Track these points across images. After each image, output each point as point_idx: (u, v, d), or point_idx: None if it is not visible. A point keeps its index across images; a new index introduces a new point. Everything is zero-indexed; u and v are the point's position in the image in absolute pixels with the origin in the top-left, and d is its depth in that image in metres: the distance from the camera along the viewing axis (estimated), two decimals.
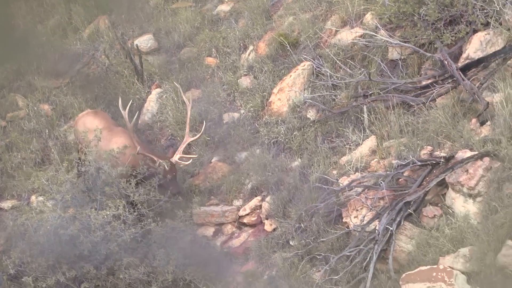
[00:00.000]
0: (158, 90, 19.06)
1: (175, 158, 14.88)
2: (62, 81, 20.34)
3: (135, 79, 19.53)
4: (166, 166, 14.64)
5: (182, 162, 14.99)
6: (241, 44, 18.91)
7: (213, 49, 19.16)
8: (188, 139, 14.60)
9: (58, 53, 20.15)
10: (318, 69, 17.05)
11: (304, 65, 17.25)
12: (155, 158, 14.83)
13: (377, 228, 14.08)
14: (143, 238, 15.36)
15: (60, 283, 14.68)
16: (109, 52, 20.32)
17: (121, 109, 15.11)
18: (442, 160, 14.36)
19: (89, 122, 16.11)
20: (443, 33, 15.85)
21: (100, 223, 14.94)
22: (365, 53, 16.76)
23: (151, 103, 18.93)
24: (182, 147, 14.59)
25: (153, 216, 15.66)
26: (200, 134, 14.94)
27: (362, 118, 16.05)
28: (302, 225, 15.16)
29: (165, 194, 15.16)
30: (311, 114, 16.80)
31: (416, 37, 16.13)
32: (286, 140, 16.69)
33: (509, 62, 15.01)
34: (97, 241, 14.90)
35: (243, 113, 17.72)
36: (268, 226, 15.87)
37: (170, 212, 16.14)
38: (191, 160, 14.93)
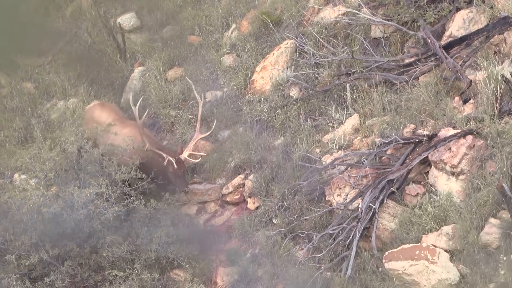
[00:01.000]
0: (141, 68, 18.76)
1: (184, 155, 14.32)
2: (45, 59, 20.01)
3: (118, 57, 19.23)
4: (174, 163, 14.12)
5: (191, 159, 14.48)
6: (224, 23, 18.60)
7: (196, 28, 18.83)
8: (198, 135, 14.07)
9: (41, 32, 19.75)
10: (301, 47, 16.80)
11: (287, 44, 16.98)
12: (164, 155, 14.30)
13: (360, 206, 13.92)
14: (126, 216, 15.16)
15: (43, 261, 14.48)
16: (91, 30, 19.97)
17: (132, 105, 14.55)
18: (425, 138, 14.22)
19: (97, 115, 15.58)
20: (426, 11, 15.62)
21: (83, 201, 14.68)
22: (348, 31, 16.52)
23: (134, 81, 18.65)
24: (192, 144, 14.03)
25: (136, 195, 15.35)
26: (211, 131, 14.38)
27: (345, 96, 15.82)
28: (285, 203, 15.00)
29: (171, 190, 14.70)
30: (294, 92, 16.54)
31: (399, 15, 15.89)
32: (269, 118, 16.44)
33: (492, 40, 14.83)
34: (80, 219, 14.67)
35: (226, 91, 17.46)
36: (251, 204, 15.65)
37: (153, 190, 15.84)
38: (200, 159, 14.44)
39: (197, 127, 14.04)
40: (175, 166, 14.04)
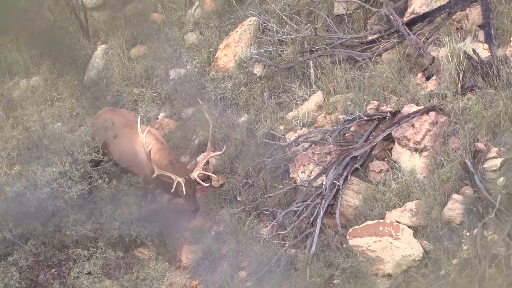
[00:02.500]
0: (104, 46, 18.42)
1: (194, 174, 13.69)
2: (7, 37, 19.52)
3: (81, 35, 18.85)
4: (183, 185, 13.49)
5: (200, 182, 13.77)
6: (187, 0, 18.20)
7: (158, 5, 18.45)
8: (209, 154, 13.49)
9: (2, 9, 19.25)
10: (264, 24, 16.56)
11: (250, 21, 16.72)
12: (173, 177, 13.67)
13: (324, 183, 13.77)
14: (89, 195, 14.94)
15: (7, 240, 14.14)
16: (54, 8, 19.51)
17: (140, 133, 13.85)
18: (388, 114, 14.08)
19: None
20: None
21: (47, 180, 14.33)
22: (311, 8, 16.28)
23: (97, 59, 18.32)
24: (202, 162, 13.40)
25: (99, 174, 15.04)
26: (223, 151, 13.89)
27: (308, 74, 15.63)
28: (249, 180, 14.82)
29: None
30: (258, 69, 16.33)
31: None
32: (233, 96, 16.21)
33: (454, 16, 14.67)
34: (44, 198, 14.31)
35: (190, 69, 17.14)
36: (215, 182, 15.38)
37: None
38: (209, 183, 13.98)
39: (208, 146, 13.49)
40: (183, 188, 13.41)
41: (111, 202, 14.93)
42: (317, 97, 15.31)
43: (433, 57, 14.22)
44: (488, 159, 12.84)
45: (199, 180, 13.31)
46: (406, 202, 13.21)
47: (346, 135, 14.51)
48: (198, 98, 14.93)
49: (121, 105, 17.16)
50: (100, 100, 17.54)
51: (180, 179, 13.28)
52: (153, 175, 13.46)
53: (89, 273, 13.80)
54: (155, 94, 17.22)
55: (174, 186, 13.23)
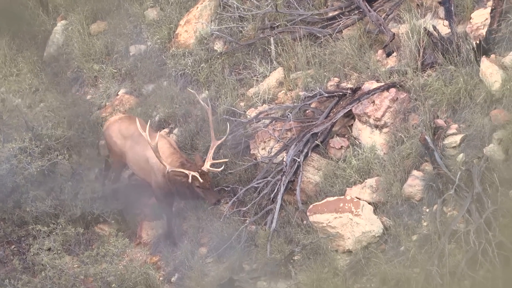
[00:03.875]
0: (64, 22, 17.83)
1: (207, 166, 13.10)
2: None
3: (40, 11, 18.19)
4: (199, 178, 12.92)
5: (214, 169, 13.24)
6: None
7: None
8: (215, 143, 12.99)
9: None
10: (225, 1, 16.14)
11: None
12: (186, 172, 13.12)
13: (284, 159, 13.54)
14: (50, 171, 14.58)
15: None
16: None
17: (140, 131, 13.23)
18: (349, 91, 13.85)
19: (125, 129, 14.14)
20: None
21: (6, 156, 14.09)
22: None
23: (57, 35, 17.72)
24: (211, 152, 12.84)
25: (59, 149, 14.77)
26: (225, 136, 13.35)
27: (269, 50, 15.27)
28: None
29: (202, 204, 13.63)
30: (218, 46, 15.92)
31: None
32: (193, 72, 15.78)
33: None
34: (3, 174, 14.07)
35: (150, 45, 16.66)
36: None
37: (77, 144, 15.36)
38: (223, 167, 13.46)
39: (211, 135, 13.01)
40: (201, 180, 12.84)
41: (71, 179, 14.66)
42: (277, 74, 15.02)
43: (394, 34, 14.00)
44: (448, 136, 12.73)
45: (213, 169, 12.84)
46: (366, 179, 13.05)
47: (307, 111, 14.27)
48: (189, 89, 14.45)
49: (81, 81, 16.67)
50: (60, 76, 17.09)
51: (194, 173, 12.76)
52: (166, 171, 12.88)
53: (49, 249, 13.48)
54: (115, 70, 16.74)
55: (190, 179, 12.67)
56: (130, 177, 15.14)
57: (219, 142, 12.98)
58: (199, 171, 12.74)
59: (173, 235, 13.68)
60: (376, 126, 13.36)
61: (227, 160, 13.23)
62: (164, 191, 13.45)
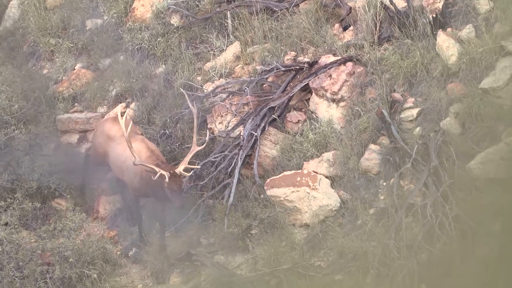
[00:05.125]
0: None
1: (180, 169, 12.41)
2: None
3: None
4: (166, 177, 12.19)
5: (185, 173, 12.50)
6: None
7: None
8: (195, 148, 12.38)
9: None
10: None
11: None
12: (156, 169, 12.41)
13: (241, 133, 13.26)
14: (6, 145, 14.14)
15: None
16: None
17: (119, 118, 12.48)
18: (305, 65, 13.59)
19: (107, 129, 13.39)
20: None
21: None
22: None
23: (13, 9, 17.15)
24: (188, 157, 12.17)
25: (16, 123, 14.41)
26: (205, 144, 12.68)
27: (226, 24, 14.87)
28: (167, 131, 14.07)
29: (168, 206, 12.90)
30: (175, 20, 15.42)
31: None
32: (150, 46, 15.33)
33: None
34: None
35: (107, 19, 16.14)
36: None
37: (33, 118, 14.93)
38: (192, 172, 12.78)
39: (193, 140, 12.41)
40: (166, 179, 12.11)
41: (29, 153, 14.24)
42: (234, 48, 14.66)
43: (350, 8, 13.72)
44: (404, 109, 12.52)
45: (184, 173, 12.22)
46: (323, 153, 12.78)
47: (264, 85, 13.99)
48: (181, 88, 13.86)
49: (38, 55, 16.12)
50: (16, 51, 16.54)
51: (163, 172, 12.11)
52: (134, 162, 12.22)
53: (6, 224, 13.02)
54: (71, 45, 16.17)
55: (157, 176, 12.03)
56: (87, 151, 14.64)
57: (199, 148, 12.37)
58: (171, 172, 12.11)
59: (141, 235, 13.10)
60: (333, 100, 13.10)
61: (199, 167, 12.63)
62: (140, 193, 12.83)
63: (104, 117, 14.96)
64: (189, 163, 12.28)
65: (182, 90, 13.54)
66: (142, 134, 13.61)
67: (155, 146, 12.87)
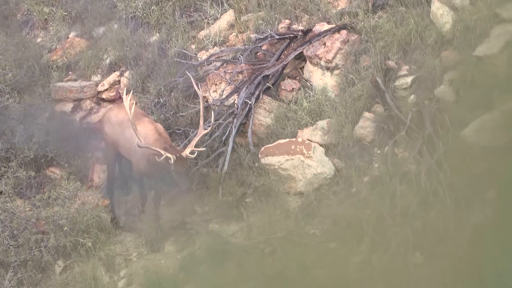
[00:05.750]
0: None
1: (186, 152, 12.10)
2: None
3: None
4: (171, 159, 11.86)
5: (190, 155, 12.13)
6: None
7: None
8: (202, 131, 12.10)
9: None
10: None
11: None
12: (162, 152, 12.08)
13: (236, 102, 13.11)
14: (0, 114, 13.97)
15: None
16: None
17: (124, 101, 12.15)
18: (300, 33, 13.40)
19: (114, 116, 12.92)
20: None
21: None
22: None
23: None
24: (195, 140, 11.91)
25: (10, 92, 14.25)
26: (211, 127, 12.38)
27: None
28: (161, 100, 13.88)
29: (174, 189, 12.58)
30: None
31: None
32: (144, 15, 15.13)
33: None
34: None
35: None
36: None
37: (28, 87, 14.77)
38: (196, 153, 12.45)
39: (200, 123, 12.11)
40: (172, 161, 11.80)
41: (23, 121, 14.06)
42: (228, 16, 14.47)
43: None
44: (399, 77, 12.34)
45: (190, 155, 11.93)
46: (317, 121, 12.61)
47: (258, 54, 13.80)
48: (187, 72, 13.55)
49: (31, 24, 15.93)
50: (9, 19, 16.30)
51: (169, 155, 11.82)
52: (139, 145, 11.90)
53: (1, 192, 12.97)
54: (65, 13, 16.01)
55: (162, 159, 11.73)
56: (81, 119, 14.57)
57: (205, 131, 12.10)
58: (177, 155, 11.83)
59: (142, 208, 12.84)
60: (327, 68, 12.94)
61: (204, 149, 12.36)
62: (145, 174, 12.50)
63: (98, 85, 14.86)
64: (195, 146, 12.00)
65: (187, 73, 13.23)
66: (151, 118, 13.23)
67: (164, 129, 12.47)
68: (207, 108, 13.35)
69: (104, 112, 13.42)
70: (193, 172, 12.67)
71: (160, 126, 12.38)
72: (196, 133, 12.23)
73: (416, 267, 10.24)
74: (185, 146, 12.41)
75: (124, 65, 14.85)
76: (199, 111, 12.29)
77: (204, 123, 12.21)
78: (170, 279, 11.58)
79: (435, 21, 12.25)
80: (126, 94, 12.12)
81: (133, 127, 11.89)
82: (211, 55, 13.90)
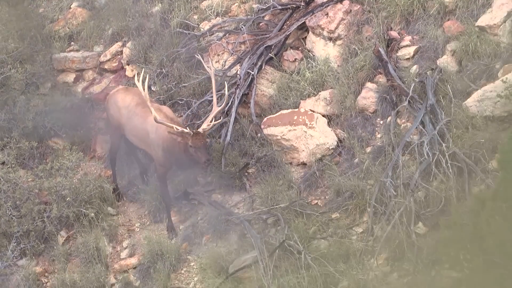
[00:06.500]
0: None
1: (203, 126, 11.95)
2: None
3: None
4: (189, 132, 11.61)
5: (207, 128, 11.88)
6: None
7: None
8: (216, 109, 11.92)
9: None
10: None
11: None
12: (177, 126, 11.62)
13: (238, 72, 13.00)
14: (2, 85, 13.88)
15: None
16: None
17: (136, 81, 11.91)
18: (302, 3, 13.27)
19: (120, 100, 12.65)
20: None
21: None
22: None
23: None
24: (210, 117, 11.80)
25: (12, 63, 14.11)
26: (224, 103, 12.20)
27: None
28: (163, 70, 13.78)
29: (195, 164, 12.37)
30: None
31: None
32: None
33: None
34: None
35: None
36: (129, 71, 14.36)
37: (30, 57, 14.59)
38: (211, 126, 12.29)
39: (213, 101, 11.92)
40: (190, 133, 11.55)
41: (25, 91, 14.04)
42: None
43: None
44: (401, 47, 12.26)
45: (207, 128, 11.72)
46: (320, 91, 12.51)
47: (260, 24, 13.67)
48: (196, 55, 13.34)
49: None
50: None
51: (185, 130, 11.63)
52: (156, 120, 11.69)
53: (3, 163, 12.94)
54: None
55: (180, 130, 11.53)
56: (83, 90, 14.50)
57: (219, 108, 11.95)
58: (194, 131, 11.68)
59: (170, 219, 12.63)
60: (330, 39, 12.81)
61: (220, 121, 12.19)
62: (166, 166, 12.19)
63: (100, 56, 14.75)
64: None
65: (196, 56, 13.04)
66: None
67: (172, 112, 12.29)
68: (209, 79, 13.13)
69: (110, 94, 13.05)
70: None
71: (168, 110, 12.17)
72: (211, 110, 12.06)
73: (419, 237, 10.23)
74: (187, 116, 12.44)
75: (126, 36, 14.71)
76: (211, 87, 12.17)
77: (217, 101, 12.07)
78: (173, 249, 11.57)
79: None
80: (140, 78, 11.85)
81: (148, 104, 11.69)
82: (214, 26, 13.79)
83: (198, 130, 11.47)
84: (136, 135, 12.32)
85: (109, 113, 12.73)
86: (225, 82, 12.31)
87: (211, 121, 11.58)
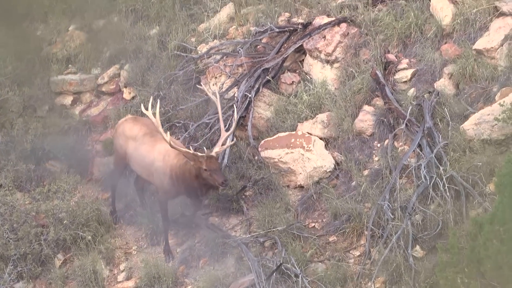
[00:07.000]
0: None
1: (215, 149, 12.01)
2: None
3: None
4: (204, 156, 11.51)
5: (220, 149, 11.52)
6: None
7: None
8: (224, 134, 11.96)
9: None
10: None
11: None
12: (190, 151, 11.52)
13: (235, 95, 13.00)
14: (0, 107, 13.99)
15: None
16: None
17: (143, 109, 11.93)
18: (299, 26, 13.36)
19: (128, 129, 12.55)
20: None
21: None
22: None
23: None
24: (220, 142, 11.81)
25: (9, 85, 14.23)
26: (233, 128, 12.20)
27: None
28: (161, 93, 13.75)
29: (212, 188, 11.90)
30: None
31: None
32: (144, 7, 15.11)
33: None
34: None
35: None
36: (127, 94, 14.40)
37: (27, 80, 14.64)
38: (224, 148, 12.29)
39: (221, 127, 11.92)
40: (204, 156, 11.47)
41: (22, 114, 14.10)
42: (228, 9, 14.45)
43: None
44: (399, 70, 12.33)
45: (219, 149, 11.69)
46: (317, 114, 12.55)
47: (258, 47, 13.74)
48: (197, 85, 13.38)
49: (31, 16, 15.85)
50: (9, 12, 16.04)
51: (199, 153, 11.59)
52: (172, 146, 11.60)
53: (0, 185, 12.92)
54: (65, 6, 15.85)
55: (193, 152, 11.48)
56: (81, 113, 14.52)
57: (227, 134, 11.95)
58: (207, 154, 11.63)
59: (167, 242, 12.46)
60: (327, 61, 12.87)
61: (233, 142, 12.20)
62: (171, 194, 12.10)
63: (97, 78, 14.77)
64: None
65: (199, 86, 12.96)
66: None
67: (179, 142, 12.27)
68: (207, 101, 13.28)
69: (118, 123, 12.87)
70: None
71: (177, 141, 12.19)
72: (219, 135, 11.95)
73: (416, 261, 10.23)
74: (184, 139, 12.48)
75: (123, 58, 14.73)
76: (208, 110, 12.23)
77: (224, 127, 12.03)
78: (170, 272, 11.54)
79: (435, 14, 12.23)
80: (149, 107, 11.83)
81: (159, 131, 11.64)
82: (211, 48, 13.82)
83: (211, 153, 11.44)
84: (140, 163, 12.21)
85: (116, 141, 12.60)
86: (234, 106, 12.31)
87: (222, 145, 11.57)
